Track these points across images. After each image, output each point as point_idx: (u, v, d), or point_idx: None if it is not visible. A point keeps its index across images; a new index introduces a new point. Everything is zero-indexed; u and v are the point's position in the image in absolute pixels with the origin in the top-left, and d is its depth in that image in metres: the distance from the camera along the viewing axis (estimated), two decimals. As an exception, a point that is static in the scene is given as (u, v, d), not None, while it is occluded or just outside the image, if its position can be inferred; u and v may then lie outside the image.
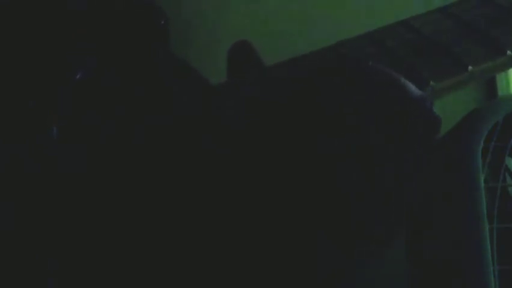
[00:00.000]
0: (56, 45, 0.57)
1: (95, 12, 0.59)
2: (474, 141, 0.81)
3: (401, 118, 0.44)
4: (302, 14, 1.18)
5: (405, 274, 0.97)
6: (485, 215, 0.78)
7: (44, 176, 0.47)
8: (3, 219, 0.46)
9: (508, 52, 0.49)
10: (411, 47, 0.49)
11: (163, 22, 0.61)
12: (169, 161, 0.47)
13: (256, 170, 0.44)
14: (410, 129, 0.44)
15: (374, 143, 0.44)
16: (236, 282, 0.46)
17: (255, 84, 0.48)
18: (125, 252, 0.47)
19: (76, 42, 0.58)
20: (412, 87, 0.45)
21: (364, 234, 0.45)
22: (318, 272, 0.45)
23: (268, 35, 1.13)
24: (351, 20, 1.08)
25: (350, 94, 0.44)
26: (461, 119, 0.88)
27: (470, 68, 0.48)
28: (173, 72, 0.62)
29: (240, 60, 0.51)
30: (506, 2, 0.51)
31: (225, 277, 0.46)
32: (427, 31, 0.49)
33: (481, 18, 0.50)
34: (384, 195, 0.45)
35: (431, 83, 0.47)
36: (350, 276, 0.47)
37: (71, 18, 0.58)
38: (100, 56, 0.58)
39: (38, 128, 0.53)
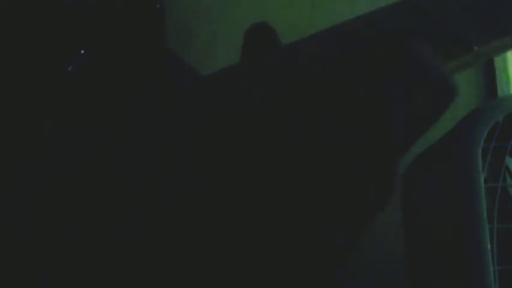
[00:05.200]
0: (48, 37, 0.57)
1: (93, 4, 0.59)
2: (474, 142, 0.81)
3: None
4: (302, 16, 1.18)
5: (405, 273, 0.97)
6: (485, 215, 0.78)
7: (44, 176, 0.47)
8: (3, 220, 0.46)
9: None
10: (413, 27, 0.48)
11: (158, 6, 0.61)
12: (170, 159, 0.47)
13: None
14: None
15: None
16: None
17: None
18: (124, 253, 0.47)
19: (69, 34, 0.58)
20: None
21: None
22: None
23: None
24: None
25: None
26: (461, 119, 0.88)
27: (475, 48, 0.47)
28: (174, 68, 0.62)
29: (256, 41, 0.50)
30: None
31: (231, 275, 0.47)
32: (429, 11, 0.49)
33: None
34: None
35: None
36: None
37: (64, 8, 0.58)
38: (94, 46, 0.58)
39: (32, 122, 0.53)
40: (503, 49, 0.49)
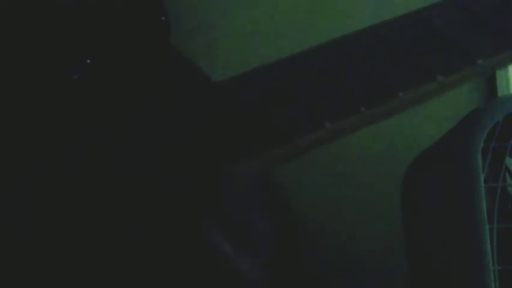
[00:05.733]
0: (53, 42, 0.57)
1: (95, 8, 0.59)
2: (474, 141, 0.81)
3: None
4: (300, 16, 1.18)
5: (407, 274, 0.97)
6: (485, 215, 0.78)
7: (44, 176, 0.48)
8: (3, 220, 0.46)
9: None
10: (418, 39, 0.48)
11: (164, 18, 0.61)
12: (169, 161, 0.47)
13: None
14: None
15: None
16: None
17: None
18: (124, 253, 0.47)
19: (75, 40, 0.58)
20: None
21: None
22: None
23: (266, 37, 1.13)
24: (352, 18, 1.08)
25: None
26: (461, 119, 0.88)
27: (478, 61, 0.47)
28: (174, 68, 0.62)
29: None
30: None
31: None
32: (434, 23, 0.49)
33: (489, 9, 0.49)
34: None
35: (438, 77, 0.46)
36: None
37: (70, 15, 0.58)
38: (99, 52, 0.58)
39: (34, 123, 0.53)
40: (509, 62, 0.49)
